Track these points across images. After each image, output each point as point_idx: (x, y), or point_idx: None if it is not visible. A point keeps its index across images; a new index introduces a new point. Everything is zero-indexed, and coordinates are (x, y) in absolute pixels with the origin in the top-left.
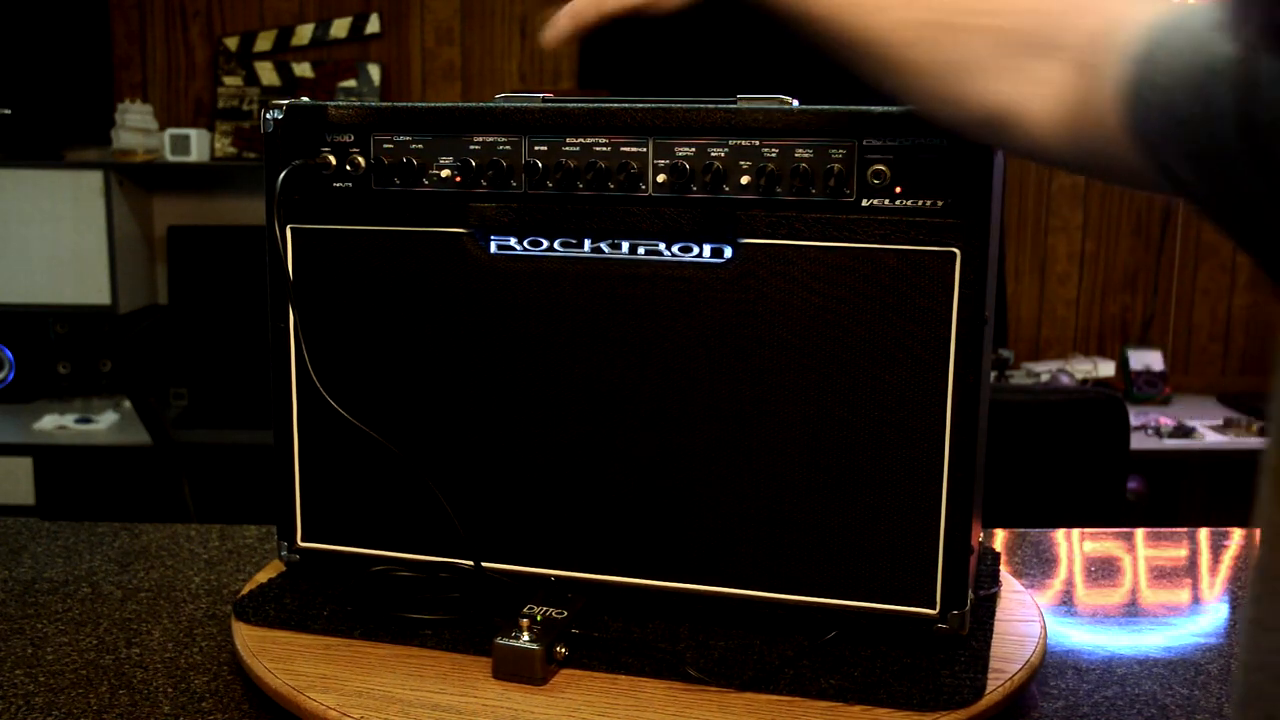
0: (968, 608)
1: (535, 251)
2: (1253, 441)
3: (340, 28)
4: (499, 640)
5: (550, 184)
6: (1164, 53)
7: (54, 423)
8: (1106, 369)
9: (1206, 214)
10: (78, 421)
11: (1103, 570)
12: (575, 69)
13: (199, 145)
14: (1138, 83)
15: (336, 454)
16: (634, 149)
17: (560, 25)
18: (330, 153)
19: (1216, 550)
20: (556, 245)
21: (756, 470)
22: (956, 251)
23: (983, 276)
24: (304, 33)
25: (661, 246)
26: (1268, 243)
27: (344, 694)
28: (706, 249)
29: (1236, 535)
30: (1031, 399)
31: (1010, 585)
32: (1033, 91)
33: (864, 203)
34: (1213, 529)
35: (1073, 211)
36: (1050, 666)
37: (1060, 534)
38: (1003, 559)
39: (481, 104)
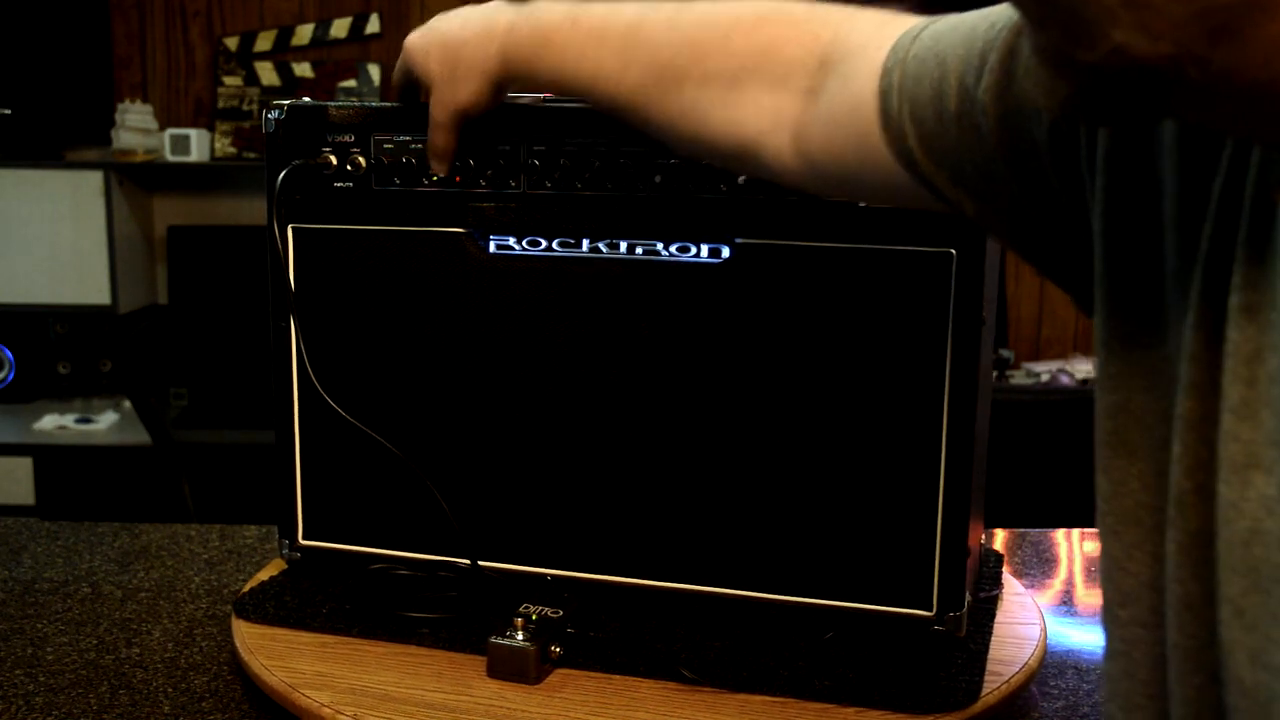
0: (965, 610)
1: (534, 251)
2: None
3: (340, 28)
4: (494, 639)
5: (549, 184)
6: (908, 62)
7: (54, 423)
8: None
9: (986, 228)
10: (78, 421)
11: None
12: None
13: (199, 145)
14: (884, 95)
15: (337, 453)
16: (633, 149)
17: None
18: (331, 152)
19: None
20: (555, 245)
21: (752, 470)
22: (953, 252)
23: (979, 277)
24: (304, 33)
25: (660, 246)
26: (1041, 250)
27: (338, 691)
28: (705, 249)
29: None
30: (1031, 399)
31: (1011, 587)
32: (767, 123)
33: (862, 203)
34: None
35: None
36: (1050, 667)
37: (1060, 534)
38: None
39: None
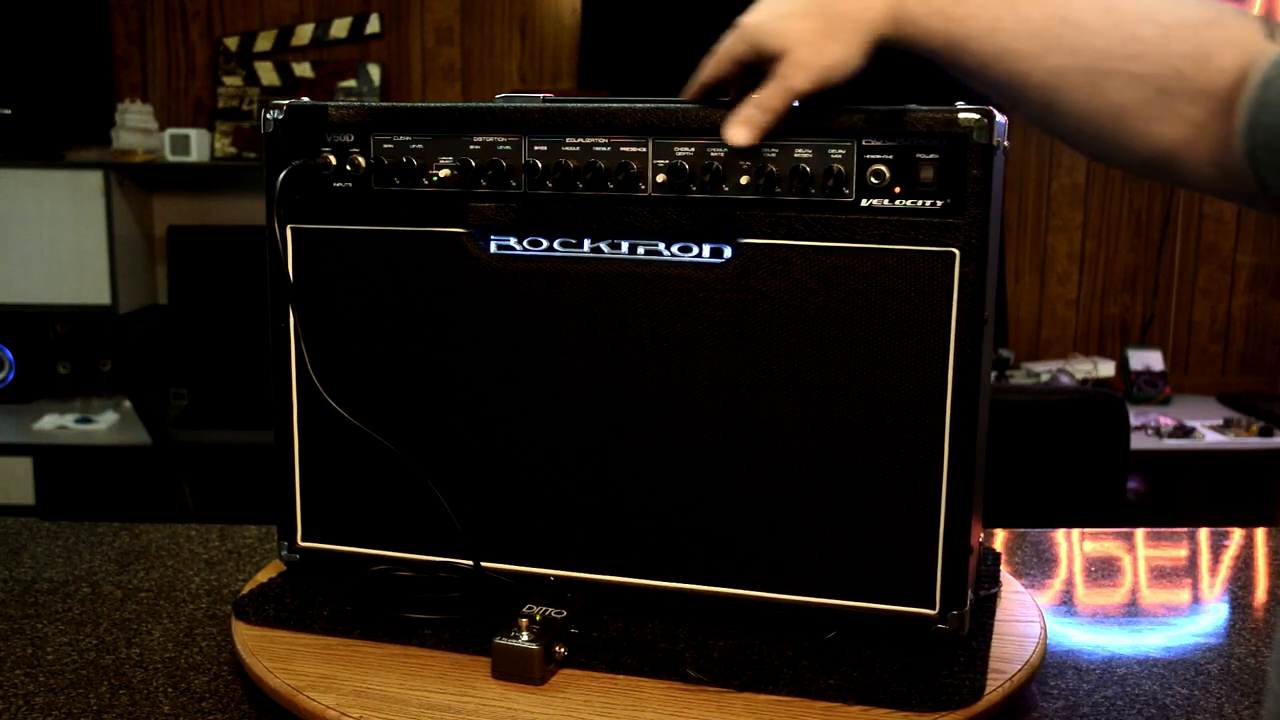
0: (967, 608)
1: (535, 251)
2: (1253, 441)
3: (340, 28)
4: (498, 640)
5: (550, 184)
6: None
7: (54, 423)
8: (1106, 369)
9: None
10: (78, 421)
11: (1103, 570)
12: (575, 69)
13: (199, 145)
14: (1255, 108)
15: (336, 454)
16: (634, 149)
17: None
18: (330, 153)
19: (1216, 550)
20: (556, 245)
21: (756, 470)
22: (956, 252)
23: (982, 276)
24: (304, 33)
25: (661, 246)
26: None
27: (343, 693)
28: (706, 249)
29: (1236, 535)
30: (1031, 399)
31: (1010, 585)
32: (1186, 134)
33: (864, 203)
34: (1213, 529)
35: (1073, 211)
36: (1050, 666)
37: (1060, 534)
38: (1003, 559)
39: (481, 104)
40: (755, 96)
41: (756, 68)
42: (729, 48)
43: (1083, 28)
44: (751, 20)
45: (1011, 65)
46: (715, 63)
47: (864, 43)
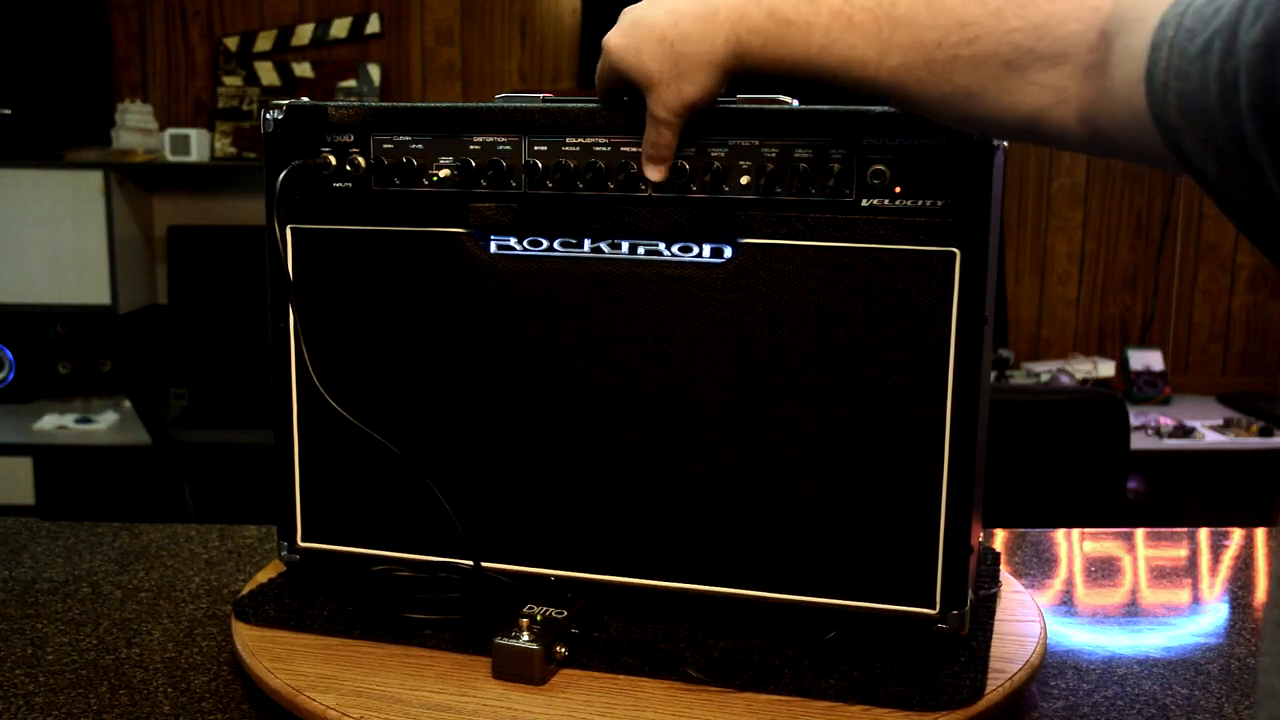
0: (967, 608)
1: (535, 251)
2: (1253, 441)
3: (340, 28)
4: (498, 640)
5: (550, 184)
6: (1178, 30)
7: (54, 423)
8: (1106, 369)
9: (1220, 202)
10: (78, 421)
11: (1103, 570)
12: (575, 69)
13: (199, 145)
14: (1151, 65)
15: (336, 454)
16: (634, 149)
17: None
18: (330, 153)
19: (1216, 550)
20: (556, 245)
21: (756, 470)
22: (956, 251)
23: (982, 276)
24: (304, 33)
25: (661, 246)
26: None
27: (343, 694)
28: (706, 249)
29: (1236, 535)
30: (1031, 399)
31: (1010, 585)
32: (1046, 100)
33: (864, 203)
34: (1213, 529)
35: (1073, 211)
36: (1050, 666)
37: (1060, 534)
38: (1003, 559)
39: (481, 104)
40: (644, 140)
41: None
42: (603, 72)
43: (911, 24)
44: (612, 45)
45: (857, 73)
46: (600, 84)
47: (717, 77)
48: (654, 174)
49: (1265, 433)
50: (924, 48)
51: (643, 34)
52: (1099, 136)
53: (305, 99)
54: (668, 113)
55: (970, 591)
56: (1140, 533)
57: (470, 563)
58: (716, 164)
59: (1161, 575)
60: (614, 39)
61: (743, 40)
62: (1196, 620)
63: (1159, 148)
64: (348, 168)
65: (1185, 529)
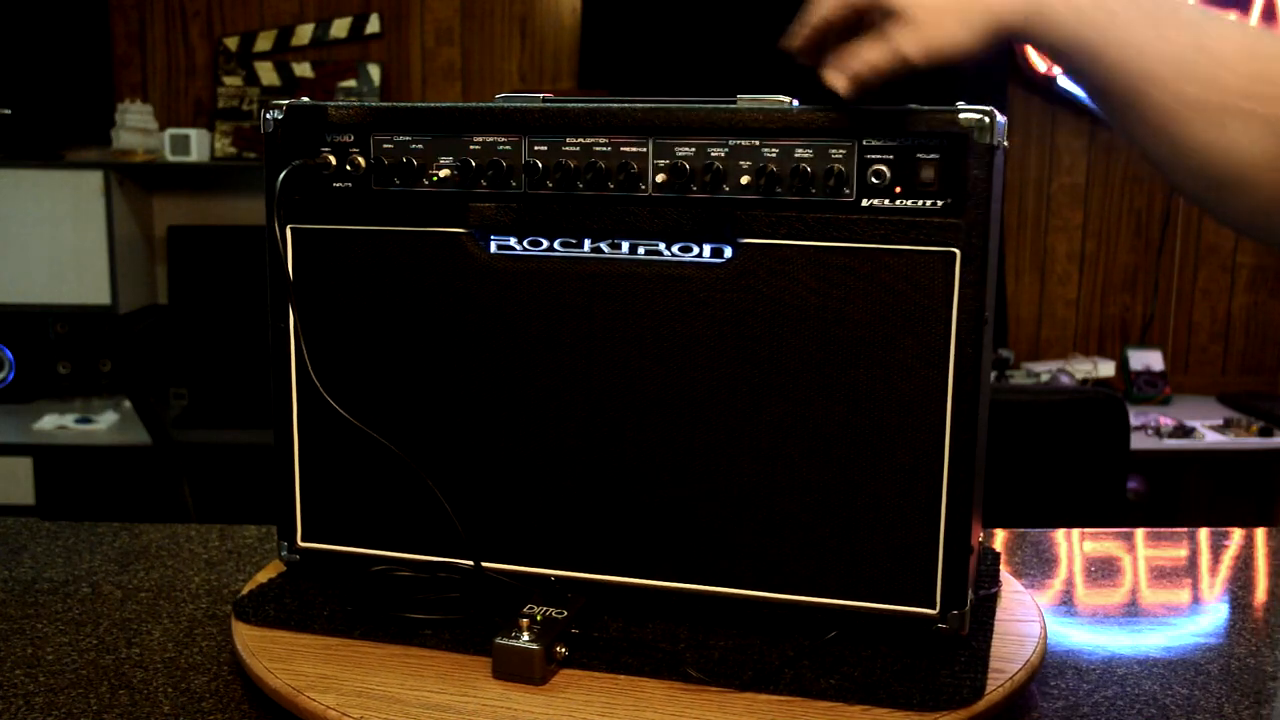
0: (968, 608)
1: (535, 251)
2: (1253, 441)
3: (340, 28)
4: (498, 640)
5: (550, 184)
6: None
7: (54, 423)
8: (1106, 369)
9: None
10: (78, 421)
11: (1103, 570)
12: (575, 69)
13: (199, 145)
14: None
15: (336, 454)
16: (634, 149)
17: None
18: (330, 153)
19: (1216, 550)
20: (556, 245)
21: (756, 470)
22: (956, 251)
23: (983, 276)
24: (304, 33)
25: (661, 246)
26: None
27: (343, 694)
28: (706, 249)
29: (1236, 535)
30: (1031, 399)
31: (1010, 585)
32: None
33: (864, 203)
34: (1213, 529)
35: (1073, 211)
36: (1050, 666)
37: (1060, 534)
38: (1003, 559)
39: (481, 104)
40: (865, 52)
41: (863, 24)
42: None
43: (1219, 60)
44: None
45: (1140, 85)
46: (834, 5)
47: (990, 31)
48: (841, 83)
49: (1265, 433)
50: (1220, 88)
51: None
52: None
53: (305, 99)
54: (917, 46)
55: (970, 591)
56: (1140, 533)
57: (470, 563)
58: (716, 164)
59: (1161, 575)
60: None
61: (1042, 6)
62: (1196, 620)
63: None
64: (348, 168)
65: (1185, 529)
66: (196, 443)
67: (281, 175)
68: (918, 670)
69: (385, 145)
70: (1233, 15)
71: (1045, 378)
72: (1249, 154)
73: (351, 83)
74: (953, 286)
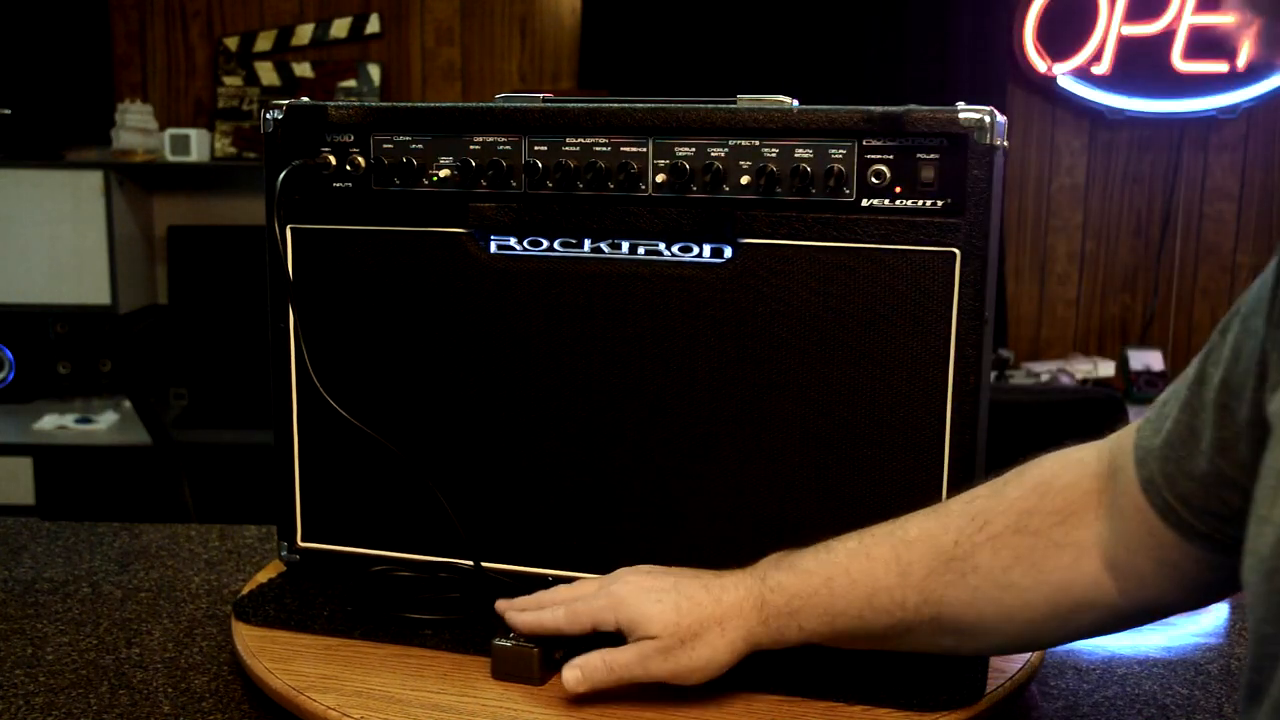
0: None
1: (535, 251)
2: None
3: (340, 28)
4: (497, 641)
5: (550, 184)
6: (1163, 424)
7: (54, 423)
8: (1106, 369)
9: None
10: (78, 421)
11: None
12: (575, 69)
13: (199, 145)
14: (1141, 464)
15: (336, 454)
16: (634, 149)
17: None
18: (330, 153)
19: None
20: (556, 245)
21: (756, 470)
22: (956, 251)
23: (983, 276)
24: (304, 33)
25: (661, 246)
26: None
27: (344, 694)
28: (706, 249)
29: None
30: (1031, 399)
31: None
32: (1069, 559)
33: (864, 203)
34: None
35: (1073, 211)
36: (1050, 666)
37: None
38: None
39: (481, 104)
40: (609, 656)
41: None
42: (595, 611)
43: (926, 538)
44: (628, 600)
45: (883, 601)
46: (571, 617)
47: (728, 664)
48: (576, 683)
49: None
50: (941, 552)
51: (662, 611)
52: (1121, 574)
53: (305, 99)
54: (666, 669)
55: None
56: None
57: (470, 563)
58: (716, 164)
59: None
60: (626, 588)
61: (763, 630)
62: (1196, 620)
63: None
64: (348, 168)
65: None
66: (196, 443)
67: (281, 175)
68: (918, 670)
69: (385, 145)
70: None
71: (1045, 378)
72: (1009, 566)
73: (351, 83)
74: (953, 286)
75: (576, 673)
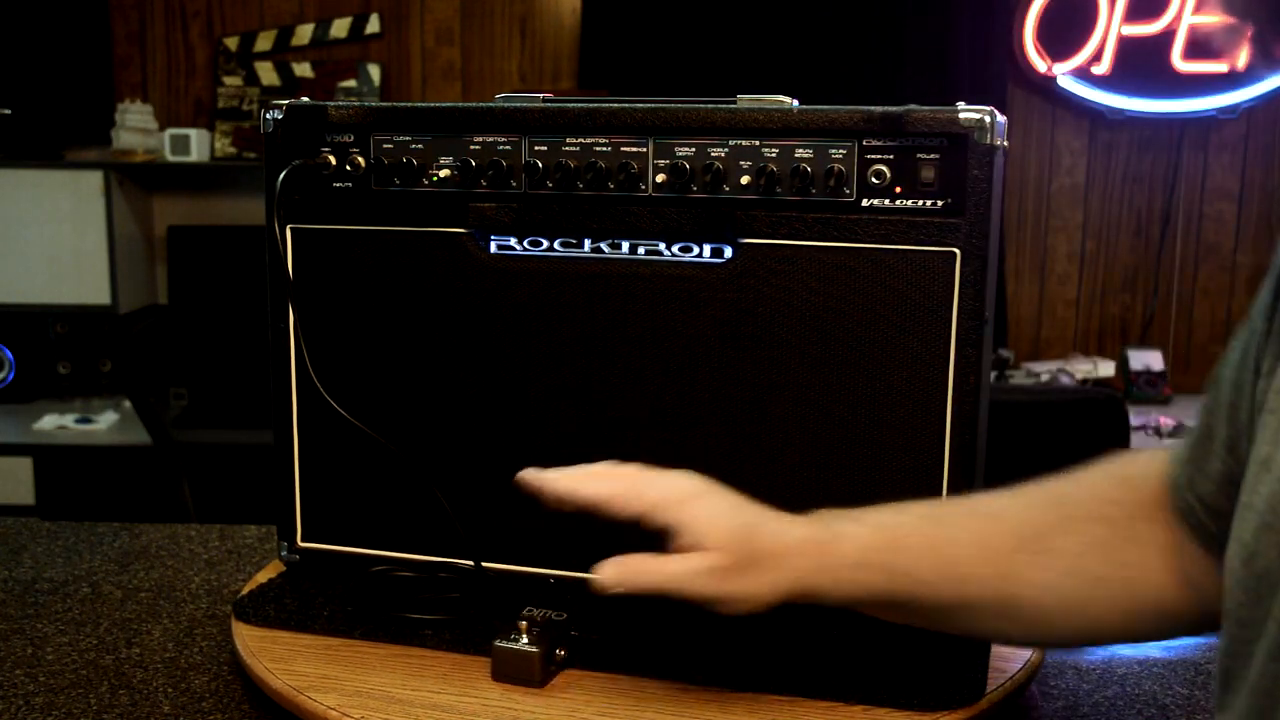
0: None
1: (535, 251)
2: None
3: (340, 28)
4: (498, 643)
5: (550, 184)
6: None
7: (54, 423)
8: (1106, 369)
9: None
10: (78, 421)
11: None
12: (575, 69)
13: (199, 145)
14: (1180, 495)
15: (336, 454)
16: (634, 149)
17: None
18: (330, 153)
19: None
20: (556, 245)
21: (756, 470)
22: (956, 251)
23: (983, 276)
24: (304, 33)
25: (661, 246)
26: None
27: (344, 694)
28: (706, 249)
29: None
30: (1031, 399)
31: None
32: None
33: (864, 203)
34: None
35: (1073, 211)
36: (1050, 666)
37: None
38: None
39: (481, 104)
40: (655, 562)
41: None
42: (657, 497)
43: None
44: (696, 501)
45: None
46: (628, 492)
47: (784, 594)
48: (613, 579)
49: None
50: (1022, 530)
51: (735, 530)
52: (1183, 579)
53: (305, 99)
54: (702, 584)
55: None
56: None
57: (470, 563)
58: (716, 164)
59: None
60: (682, 492)
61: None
62: None
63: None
64: (348, 168)
65: None
66: (196, 443)
67: (281, 175)
68: (918, 669)
69: (385, 145)
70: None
71: (1045, 378)
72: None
73: (351, 83)
74: (953, 286)
75: (615, 571)
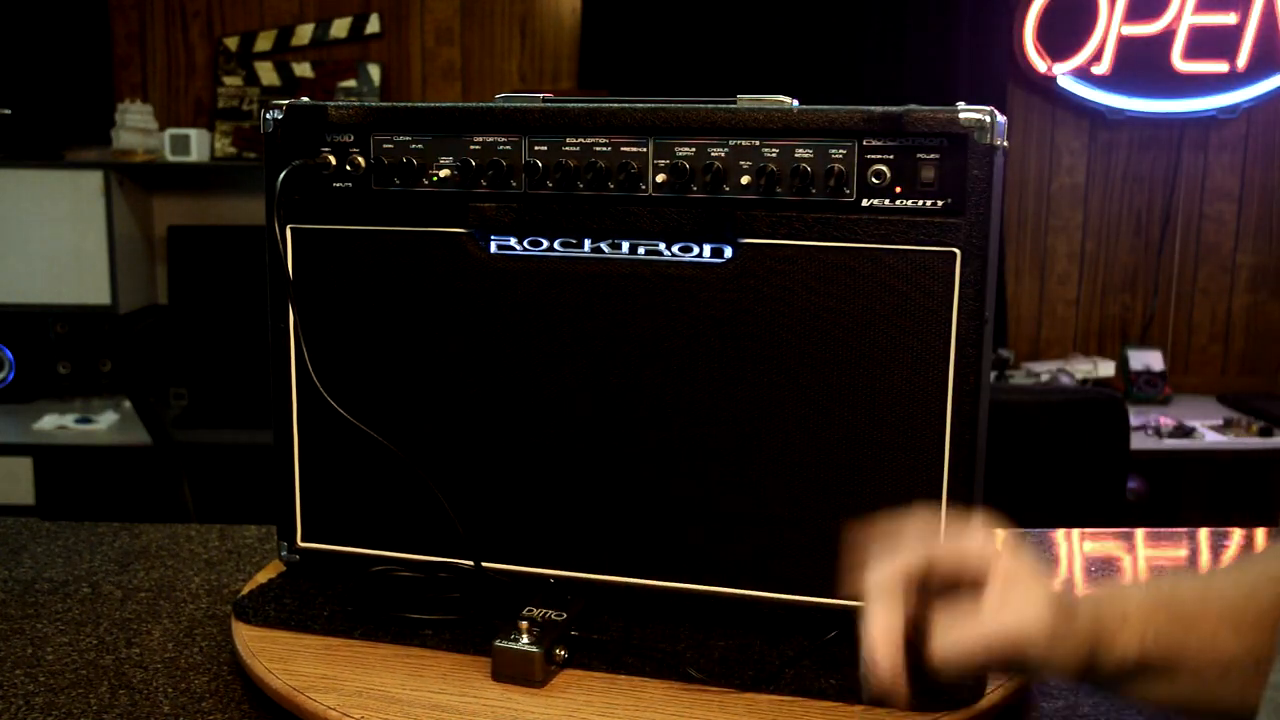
0: None
1: (535, 251)
2: (1253, 441)
3: (340, 28)
4: (498, 643)
5: (550, 184)
6: None
7: (54, 423)
8: (1106, 369)
9: None
10: (78, 421)
11: (1103, 570)
12: (575, 69)
13: (199, 145)
14: None
15: (336, 454)
16: (634, 149)
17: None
18: (330, 153)
19: (1216, 550)
20: (556, 245)
21: (756, 470)
22: (956, 251)
23: (983, 276)
24: (304, 33)
25: (661, 246)
26: None
27: (344, 694)
28: (706, 249)
29: (1236, 535)
30: (1031, 399)
31: None
32: None
33: (864, 203)
34: (1213, 529)
35: (1073, 211)
36: None
37: (1060, 534)
38: None
39: (481, 104)
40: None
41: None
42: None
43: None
44: (1019, 583)
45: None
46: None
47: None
48: (950, 653)
49: (1265, 433)
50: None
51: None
52: None
53: (305, 99)
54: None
55: None
56: (1140, 533)
57: (470, 563)
58: (716, 164)
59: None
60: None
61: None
62: None
63: None
64: (348, 168)
65: (1185, 529)
66: (196, 443)
67: (281, 175)
68: (918, 670)
69: (385, 145)
70: (1233, 17)
71: (1045, 378)
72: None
73: (351, 83)
74: (953, 286)
75: (950, 647)
